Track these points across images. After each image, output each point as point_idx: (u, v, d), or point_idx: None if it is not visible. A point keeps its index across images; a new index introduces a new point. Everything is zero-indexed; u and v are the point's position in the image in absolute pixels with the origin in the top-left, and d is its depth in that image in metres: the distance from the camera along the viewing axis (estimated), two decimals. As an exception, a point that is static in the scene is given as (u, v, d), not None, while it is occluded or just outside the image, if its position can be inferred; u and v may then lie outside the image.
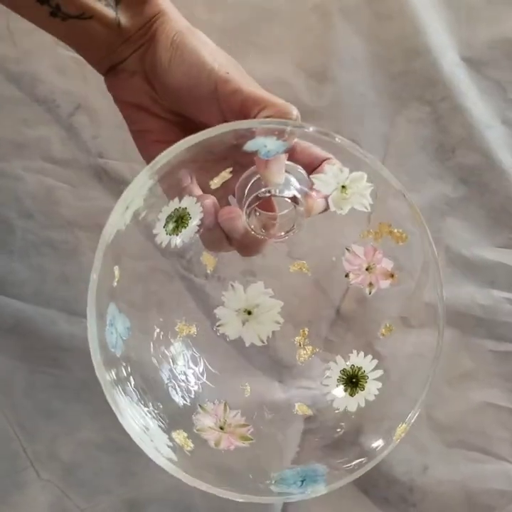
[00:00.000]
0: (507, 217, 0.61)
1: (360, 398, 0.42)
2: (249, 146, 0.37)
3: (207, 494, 0.59)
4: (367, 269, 0.42)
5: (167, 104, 0.42)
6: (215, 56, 0.40)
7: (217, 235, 0.41)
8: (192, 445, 0.40)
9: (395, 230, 0.41)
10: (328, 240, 0.47)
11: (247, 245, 0.42)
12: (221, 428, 0.41)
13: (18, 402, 0.58)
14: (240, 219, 0.41)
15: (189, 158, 0.38)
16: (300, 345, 0.46)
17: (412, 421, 0.42)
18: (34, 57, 0.60)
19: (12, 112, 0.60)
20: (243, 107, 0.39)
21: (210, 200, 0.41)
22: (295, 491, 0.39)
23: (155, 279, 0.52)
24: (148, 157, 0.40)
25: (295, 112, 0.38)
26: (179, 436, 0.39)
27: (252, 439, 0.41)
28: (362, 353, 0.42)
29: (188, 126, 0.42)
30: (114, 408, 0.38)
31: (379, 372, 0.42)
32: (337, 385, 0.43)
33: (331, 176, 0.38)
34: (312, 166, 0.41)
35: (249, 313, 0.41)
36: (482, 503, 0.60)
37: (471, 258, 0.60)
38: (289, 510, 0.59)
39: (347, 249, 0.42)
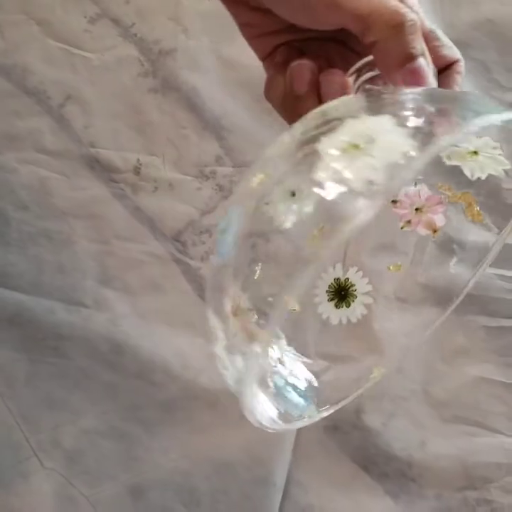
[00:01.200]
0: (493, 202, 0.62)
1: (343, 315, 0.40)
2: None
3: (210, 477, 0.60)
4: (416, 209, 0.39)
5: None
6: None
7: (307, 105, 0.33)
8: None
9: (476, 208, 0.39)
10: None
11: None
12: None
13: (20, 392, 0.58)
14: (341, 83, 0.34)
15: None
16: None
17: None
18: (23, 49, 0.60)
19: (3, 104, 0.60)
20: (342, 24, 0.32)
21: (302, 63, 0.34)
22: None
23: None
24: (256, 51, 0.38)
25: (408, 19, 0.31)
26: None
27: None
28: (360, 272, 0.40)
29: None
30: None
31: (369, 299, 0.40)
32: (326, 293, 0.41)
33: None
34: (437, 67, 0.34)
35: None
36: (479, 475, 0.61)
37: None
38: (290, 488, 0.60)
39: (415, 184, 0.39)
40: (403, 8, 0.31)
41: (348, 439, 0.61)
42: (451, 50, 0.35)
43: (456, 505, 0.61)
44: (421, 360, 0.61)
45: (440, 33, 0.34)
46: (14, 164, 0.59)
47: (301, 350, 0.37)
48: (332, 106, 0.30)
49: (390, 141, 0.24)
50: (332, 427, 0.61)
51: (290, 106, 0.35)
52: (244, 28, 0.39)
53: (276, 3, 0.34)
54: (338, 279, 0.38)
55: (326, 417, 0.62)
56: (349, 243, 0.40)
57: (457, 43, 0.62)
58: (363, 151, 0.24)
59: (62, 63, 0.60)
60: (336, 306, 0.38)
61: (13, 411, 0.58)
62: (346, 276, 0.38)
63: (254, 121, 0.61)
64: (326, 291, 0.38)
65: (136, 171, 0.60)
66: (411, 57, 0.31)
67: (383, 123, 0.25)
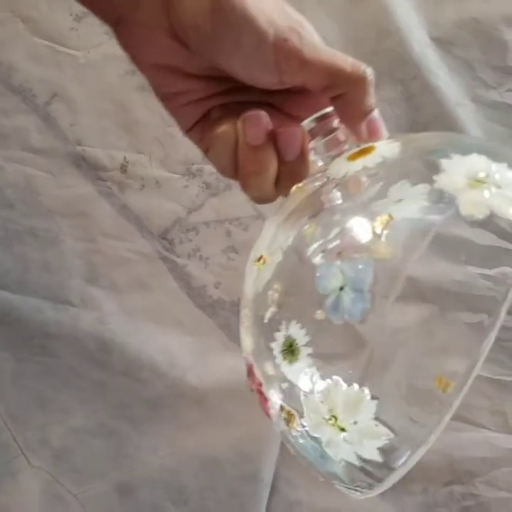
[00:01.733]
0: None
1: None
2: None
3: (198, 475, 0.60)
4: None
5: (206, 62, 0.34)
6: (269, 16, 0.32)
7: (265, 156, 0.33)
8: None
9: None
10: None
11: (298, 169, 0.34)
12: None
13: (7, 392, 0.58)
14: (302, 135, 0.33)
15: None
16: None
17: None
18: (8, 47, 0.60)
19: (-12, 102, 0.60)
20: (308, 80, 0.33)
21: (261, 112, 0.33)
22: None
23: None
24: (183, 121, 0.35)
25: (368, 73, 0.32)
26: None
27: None
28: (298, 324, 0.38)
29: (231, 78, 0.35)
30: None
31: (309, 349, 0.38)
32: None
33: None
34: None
35: None
36: (465, 470, 0.61)
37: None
38: (278, 484, 0.60)
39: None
40: (361, 63, 0.32)
41: (335, 434, 0.61)
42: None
43: (442, 500, 0.62)
44: (404, 356, 0.61)
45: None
46: (0, 162, 0.59)
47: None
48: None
49: None
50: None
51: (246, 158, 0.34)
52: (173, 97, 0.36)
53: (238, 65, 0.33)
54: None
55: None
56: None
57: (442, 42, 0.63)
58: None
59: (48, 61, 0.60)
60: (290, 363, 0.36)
61: (0, 410, 0.58)
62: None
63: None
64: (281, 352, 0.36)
65: (123, 168, 0.60)
66: (371, 109, 0.33)
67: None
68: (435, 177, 0.29)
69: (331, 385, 0.31)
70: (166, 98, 0.36)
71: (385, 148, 0.32)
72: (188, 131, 0.36)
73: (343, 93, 0.32)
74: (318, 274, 0.30)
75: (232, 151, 0.34)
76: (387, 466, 0.31)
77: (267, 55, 0.32)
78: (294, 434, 0.33)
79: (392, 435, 0.30)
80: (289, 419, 0.33)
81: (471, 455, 0.61)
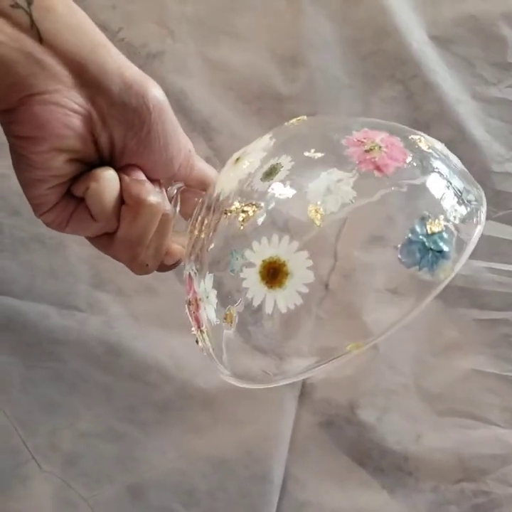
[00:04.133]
0: (483, 189, 0.62)
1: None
2: None
3: (207, 476, 0.60)
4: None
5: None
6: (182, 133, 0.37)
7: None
8: None
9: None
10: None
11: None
12: None
13: (16, 397, 0.58)
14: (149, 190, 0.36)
15: None
16: None
17: None
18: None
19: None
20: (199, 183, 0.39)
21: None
22: None
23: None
24: (44, 205, 0.35)
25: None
26: None
27: None
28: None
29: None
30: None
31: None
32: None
33: None
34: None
35: None
36: (475, 467, 0.61)
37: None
38: (288, 485, 0.60)
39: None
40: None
41: (343, 434, 0.61)
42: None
43: (453, 497, 0.62)
44: (411, 355, 0.61)
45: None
46: (6, 171, 0.59)
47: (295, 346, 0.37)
48: None
49: None
50: (327, 422, 0.62)
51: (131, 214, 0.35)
52: (39, 183, 0.34)
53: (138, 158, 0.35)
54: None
55: (320, 413, 0.63)
56: (339, 238, 0.40)
57: (440, 40, 0.63)
58: None
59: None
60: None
61: (10, 416, 0.58)
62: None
63: (242, 122, 0.61)
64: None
65: (127, 174, 0.61)
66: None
67: None
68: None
69: None
70: (31, 184, 0.34)
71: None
72: (44, 213, 0.36)
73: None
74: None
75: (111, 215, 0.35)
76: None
77: (178, 164, 0.37)
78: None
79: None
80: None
81: (481, 452, 0.61)
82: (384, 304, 0.45)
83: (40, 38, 0.30)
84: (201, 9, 0.62)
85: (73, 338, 0.57)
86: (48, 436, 0.58)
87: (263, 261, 0.32)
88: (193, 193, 0.39)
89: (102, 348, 0.59)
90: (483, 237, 0.63)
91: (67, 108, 0.32)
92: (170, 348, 0.60)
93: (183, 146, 0.36)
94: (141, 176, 0.35)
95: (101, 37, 0.33)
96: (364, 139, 0.34)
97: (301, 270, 0.32)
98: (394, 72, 0.62)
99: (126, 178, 0.35)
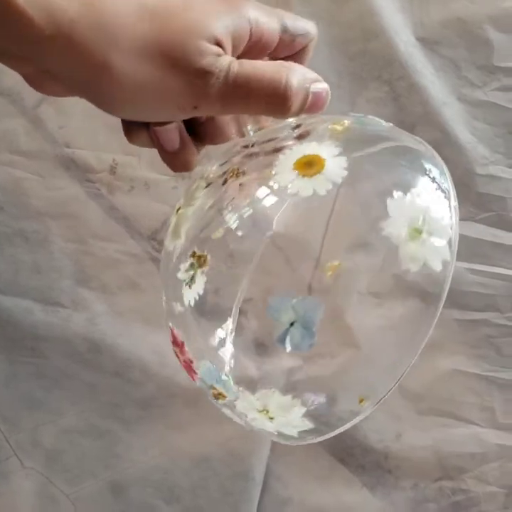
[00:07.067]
0: (466, 190, 0.63)
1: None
2: None
3: (189, 473, 0.61)
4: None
5: None
6: None
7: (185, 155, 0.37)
8: None
9: None
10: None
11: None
12: None
13: (-2, 393, 0.58)
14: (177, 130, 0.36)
15: None
16: None
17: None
18: (-4, 50, 0.60)
19: (-24, 105, 0.60)
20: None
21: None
22: None
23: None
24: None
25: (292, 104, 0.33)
26: None
27: None
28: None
29: None
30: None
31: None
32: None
33: None
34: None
35: None
36: (454, 465, 0.62)
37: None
38: (269, 482, 0.61)
39: None
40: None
41: (325, 432, 0.62)
42: (303, 37, 0.36)
43: (432, 495, 0.62)
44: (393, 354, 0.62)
45: (290, 22, 0.35)
46: (-13, 166, 0.59)
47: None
48: None
49: None
50: (309, 421, 0.62)
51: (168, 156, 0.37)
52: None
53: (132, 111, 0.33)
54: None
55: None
56: (324, 241, 0.40)
57: (427, 42, 0.63)
58: None
59: (35, 64, 0.60)
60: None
61: (-8, 411, 0.58)
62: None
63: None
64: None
65: (112, 170, 0.61)
66: None
67: None
68: (382, 223, 0.32)
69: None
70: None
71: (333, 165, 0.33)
72: None
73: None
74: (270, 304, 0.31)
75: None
76: None
77: None
78: (220, 403, 0.35)
79: None
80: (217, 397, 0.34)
81: (460, 451, 0.62)
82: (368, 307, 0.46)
83: None
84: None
85: (57, 335, 0.57)
86: (30, 432, 0.58)
87: None
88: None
89: (85, 345, 0.59)
90: (464, 238, 0.64)
91: None
92: (153, 345, 0.60)
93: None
94: None
95: None
96: None
97: None
98: (381, 73, 0.62)
99: None
